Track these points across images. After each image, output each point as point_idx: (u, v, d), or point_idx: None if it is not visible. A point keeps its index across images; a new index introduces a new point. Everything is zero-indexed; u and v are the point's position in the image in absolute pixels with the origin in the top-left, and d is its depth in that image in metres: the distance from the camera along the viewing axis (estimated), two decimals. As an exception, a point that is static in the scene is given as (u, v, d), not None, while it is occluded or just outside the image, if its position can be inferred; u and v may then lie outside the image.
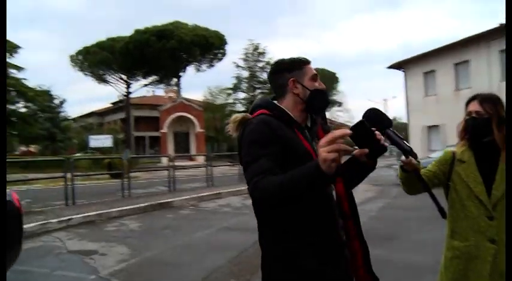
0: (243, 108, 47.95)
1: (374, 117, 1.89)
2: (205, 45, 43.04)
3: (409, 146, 1.90)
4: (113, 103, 61.03)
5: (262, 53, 49.12)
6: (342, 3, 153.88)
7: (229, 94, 51.16)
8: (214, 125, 47.71)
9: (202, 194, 13.30)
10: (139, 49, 41.28)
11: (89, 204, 11.30)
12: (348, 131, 1.51)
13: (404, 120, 39.21)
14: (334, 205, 1.87)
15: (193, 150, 40.01)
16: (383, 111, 1.96)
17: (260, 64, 49.22)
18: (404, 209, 10.38)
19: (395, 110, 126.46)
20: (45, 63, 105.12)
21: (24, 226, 7.92)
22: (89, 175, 18.34)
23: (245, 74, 49.84)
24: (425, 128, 27.95)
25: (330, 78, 57.84)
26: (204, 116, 43.32)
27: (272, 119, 1.83)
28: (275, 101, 1.97)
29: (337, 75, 61.56)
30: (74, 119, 51.95)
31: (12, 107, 40.53)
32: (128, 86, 47.30)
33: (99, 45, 44.22)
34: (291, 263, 1.77)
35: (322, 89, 1.96)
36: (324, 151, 1.40)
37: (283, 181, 1.55)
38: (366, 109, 1.96)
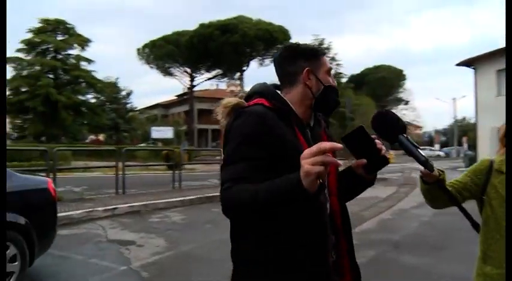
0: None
1: (385, 121, 1.67)
2: (269, 40, 42.89)
3: (424, 156, 1.64)
4: (177, 96, 62.56)
5: (327, 49, 48.14)
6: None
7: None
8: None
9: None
10: (203, 43, 41.93)
11: (139, 194, 11.48)
12: (339, 145, 1.28)
13: (473, 120, 37.28)
14: (326, 219, 1.62)
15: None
16: (396, 113, 1.71)
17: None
18: (460, 217, 9.47)
19: (464, 109, 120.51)
20: (114, 56, 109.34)
21: (72, 213, 8.27)
22: (143, 165, 18.72)
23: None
24: (495, 130, 26.25)
25: (396, 76, 56.18)
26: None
27: (269, 112, 1.57)
28: (278, 91, 1.72)
29: (404, 72, 59.57)
30: (140, 111, 53.62)
31: (83, 98, 42.47)
32: (192, 79, 48.35)
33: (165, 39, 45.37)
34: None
35: (335, 86, 1.73)
36: (306, 163, 1.23)
37: (258, 192, 1.36)
38: (378, 111, 1.74)
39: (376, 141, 1.59)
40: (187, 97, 50.90)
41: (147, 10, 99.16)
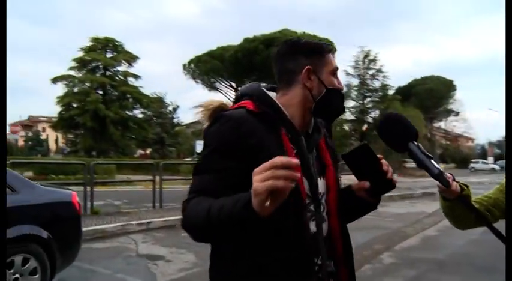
0: (352, 117, 46.90)
1: (393, 126, 1.48)
2: (313, 53, 42.57)
3: (438, 168, 1.41)
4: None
5: (373, 60, 47.50)
6: (464, 4, 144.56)
7: (338, 102, 50.03)
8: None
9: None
10: (248, 57, 42.14)
11: (176, 208, 11.31)
12: (295, 161, 1.05)
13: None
14: (319, 244, 1.41)
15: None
16: (406, 118, 1.48)
17: (371, 72, 47.64)
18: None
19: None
20: (161, 72, 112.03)
21: (106, 226, 8.26)
22: (181, 179, 18.63)
23: (355, 82, 48.58)
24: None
25: (446, 86, 54.47)
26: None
27: (250, 118, 1.38)
28: (269, 92, 1.50)
29: (454, 82, 57.65)
30: (186, 125, 54.49)
31: (130, 113, 43.64)
32: (237, 94, 48.62)
33: (210, 54, 45.97)
34: None
35: (340, 89, 1.50)
36: (255, 179, 1.04)
37: (211, 208, 1.19)
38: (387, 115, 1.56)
39: (383, 161, 1.40)
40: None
41: (192, 27, 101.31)
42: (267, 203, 1.03)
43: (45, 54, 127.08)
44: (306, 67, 1.44)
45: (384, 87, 47.47)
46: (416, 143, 1.43)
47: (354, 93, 48.88)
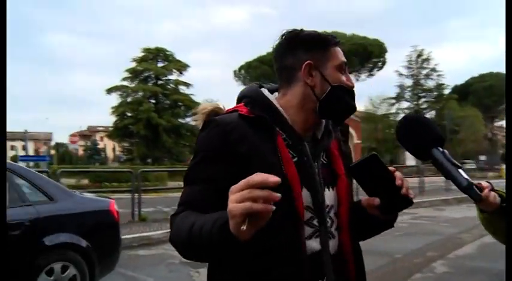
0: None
1: (414, 129, 1.28)
2: (364, 54, 42.06)
3: (467, 180, 1.20)
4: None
5: (426, 60, 46.19)
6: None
7: (391, 104, 49.00)
8: (375, 136, 46.14)
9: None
10: (296, 61, 42.05)
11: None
12: (273, 179, 0.92)
13: None
14: (325, 264, 1.25)
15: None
16: (428, 119, 1.31)
17: (424, 71, 46.35)
18: None
19: None
20: (211, 79, 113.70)
21: (152, 233, 8.30)
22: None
23: (408, 82, 47.36)
24: None
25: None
26: (364, 126, 42.12)
27: (242, 123, 1.25)
28: (267, 93, 1.35)
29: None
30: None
31: (182, 121, 44.52)
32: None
33: (260, 60, 46.19)
34: None
35: (350, 86, 1.32)
36: (231, 199, 0.94)
37: (194, 227, 1.08)
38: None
39: (396, 174, 1.21)
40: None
41: (242, 33, 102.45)
42: (243, 227, 0.91)
43: (101, 67, 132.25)
44: (306, 62, 1.28)
45: (439, 86, 46.09)
46: (441, 150, 1.23)
47: (407, 94, 47.71)
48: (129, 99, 42.67)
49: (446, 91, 47.14)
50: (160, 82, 43.63)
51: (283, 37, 1.34)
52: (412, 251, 7.07)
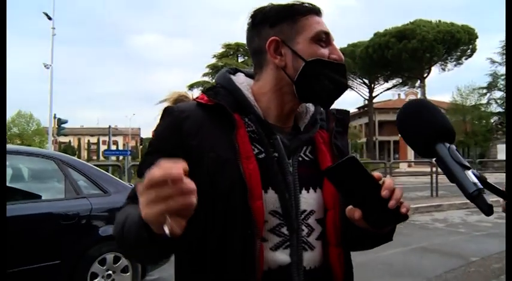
0: (499, 109, 42.68)
1: (417, 118, 0.98)
2: (451, 42, 39.86)
3: (476, 185, 0.87)
4: (358, 108, 62.26)
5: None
6: None
7: (482, 94, 45.91)
8: (464, 129, 43.56)
9: (419, 205, 11.84)
10: (379, 52, 40.88)
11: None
12: (178, 171, 0.75)
13: None
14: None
15: (435, 155, 37.47)
16: (433, 107, 1.00)
17: (520, 57, 42.90)
18: None
19: None
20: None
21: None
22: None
23: (502, 70, 44.06)
24: None
25: None
26: (451, 119, 39.98)
27: (198, 111, 1.09)
28: (238, 78, 1.19)
29: None
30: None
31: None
32: (371, 90, 47.36)
33: (341, 52, 45.41)
34: None
35: (334, 59, 1.11)
36: (142, 204, 0.79)
37: (126, 222, 0.96)
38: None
39: (386, 182, 0.97)
40: (367, 109, 50.11)
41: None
42: (166, 229, 0.76)
43: (184, 64, 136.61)
44: (270, 38, 1.10)
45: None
46: (447, 145, 0.95)
47: (501, 83, 44.45)
48: (210, 94, 43.72)
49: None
50: (240, 77, 44.28)
51: (250, 17, 1.16)
52: (491, 255, 6.44)
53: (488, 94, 45.26)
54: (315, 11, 1.12)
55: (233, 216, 1.01)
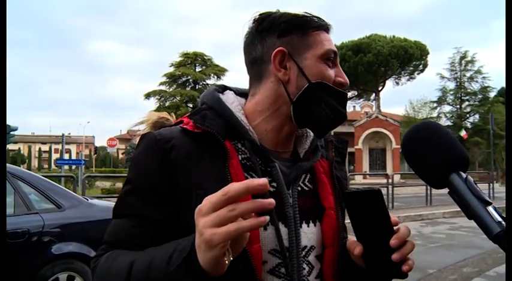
0: (448, 123, 44.30)
1: (421, 147, 0.84)
2: (404, 57, 41.06)
3: (499, 223, 0.75)
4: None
5: (470, 61, 44.55)
6: None
7: (433, 108, 47.58)
8: (416, 141, 44.93)
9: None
10: (335, 65, 41.58)
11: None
12: (264, 181, 0.67)
13: None
14: None
15: (389, 167, 38.21)
16: (446, 131, 0.85)
17: (468, 74, 44.74)
18: None
19: None
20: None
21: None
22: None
23: (451, 85, 45.85)
24: None
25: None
26: (404, 131, 41.14)
27: (184, 139, 0.95)
28: (228, 98, 1.05)
29: None
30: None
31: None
32: (326, 102, 48.24)
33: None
34: None
35: (338, 84, 1.00)
36: (206, 224, 0.68)
37: (134, 268, 0.81)
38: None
39: (400, 230, 0.88)
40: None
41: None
42: (229, 257, 0.69)
43: (140, 72, 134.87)
44: (277, 48, 0.98)
45: (484, 89, 44.37)
46: (464, 176, 0.81)
47: (450, 98, 46.24)
48: (167, 104, 43.00)
49: (492, 94, 45.35)
50: (198, 87, 43.81)
51: (253, 22, 1.03)
52: (447, 267, 6.59)
53: (438, 108, 47.00)
54: (326, 28, 1.03)
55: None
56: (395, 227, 0.88)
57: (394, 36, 42.41)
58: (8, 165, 5.15)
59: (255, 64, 1.03)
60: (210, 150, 0.94)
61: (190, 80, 43.69)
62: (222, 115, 0.99)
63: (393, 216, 0.89)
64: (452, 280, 6.06)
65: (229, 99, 1.04)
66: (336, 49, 1.01)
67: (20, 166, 4.95)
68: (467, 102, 45.50)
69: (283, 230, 0.95)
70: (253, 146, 0.98)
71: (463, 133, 35.23)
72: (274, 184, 0.97)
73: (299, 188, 1.01)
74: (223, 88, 1.10)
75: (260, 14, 1.03)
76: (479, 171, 32.76)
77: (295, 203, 0.98)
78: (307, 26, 1.00)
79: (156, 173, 0.92)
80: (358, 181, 29.61)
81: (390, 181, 14.12)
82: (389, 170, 37.51)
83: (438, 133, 0.85)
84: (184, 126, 0.97)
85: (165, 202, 0.91)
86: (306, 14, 1.02)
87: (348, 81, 1.02)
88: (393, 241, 0.85)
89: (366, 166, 38.08)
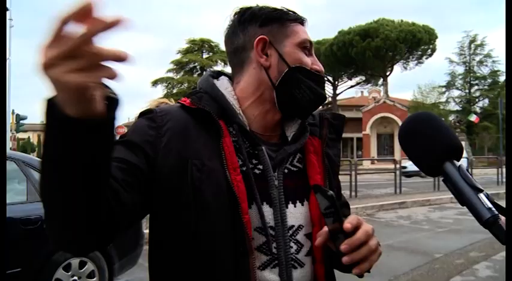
0: (457, 108, 43.99)
1: (422, 133, 0.89)
2: (412, 41, 40.65)
3: (489, 210, 0.80)
4: (322, 105, 62.80)
5: (480, 45, 44.03)
6: None
7: (442, 93, 47.21)
8: (424, 126, 44.65)
9: (384, 202, 12.01)
10: (343, 50, 41.26)
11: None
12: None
13: None
14: None
15: (397, 152, 38.16)
16: (439, 121, 0.90)
17: (477, 58, 44.26)
18: None
19: None
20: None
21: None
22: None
23: (460, 69, 45.40)
24: None
25: None
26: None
27: (182, 114, 1.03)
28: (221, 82, 1.12)
29: None
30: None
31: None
32: (335, 88, 47.78)
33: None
34: None
35: (316, 70, 1.09)
36: (43, 49, 0.62)
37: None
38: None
39: (357, 234, 0.91)
40: (331, 106, 50.78)
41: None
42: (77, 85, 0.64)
43: (148, 60, 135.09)
44: (259, 36, 1.05)
45: (494, 73, 43.88)
46: (457, 164, 0.85)
47: (459, 82, 45.83)
48: (174, 91, 43.05)
49: (502, 78, 44.94)
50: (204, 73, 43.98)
51: (234, 14, 1.12)
52: (453, 251, 6.63)
53: (446, 93, 46.62)
54: (302, 21, 1.13)
55: (222, 231, 0.95)
56: (355, 236, 0.90)
57: (402, 21, 41.96)
58: (20, 153, 5.26)
59: (238, 52, 1.10)
60: (205, 127, 1.01)
61: (198, 67, 43.64)
62: (215, 99, 1.06)
63: (353, 218, 0.92)
64: (459, 264, 6.11)
65: (223, 84, 1.11)
66: (311, 39, 1.10)
67: (30, 154, 5.04)
68: (476, 87, 45.08)
69: (268, 210, 1.01)
70: (242, 130, 1.04)
71: (473, 118, 34.95)
72: (261, 167, 1.03)
73: (286, 171, 1.08)
74: (218, 73, 1.16)
75: (241, 8, 1.12)
76: (489, 156, 32.57)
77: (281, 185, 1.04)
78: (286, 18, 1.09)
79: (146, 132, 0.98)
80: (365, 166, 29.58)
81: (398, 166, 14.14)
82: (397, 155, 37.45)
83: (432, 123, 0.89)
84: (182, 102, 1.05)
85: (147, 161, 0.95)
86: (283, 8, 1.12)
87: (323, 70, 1.12)
88: (343, 246, 0.89)
89: (374, 151, 38.05)
